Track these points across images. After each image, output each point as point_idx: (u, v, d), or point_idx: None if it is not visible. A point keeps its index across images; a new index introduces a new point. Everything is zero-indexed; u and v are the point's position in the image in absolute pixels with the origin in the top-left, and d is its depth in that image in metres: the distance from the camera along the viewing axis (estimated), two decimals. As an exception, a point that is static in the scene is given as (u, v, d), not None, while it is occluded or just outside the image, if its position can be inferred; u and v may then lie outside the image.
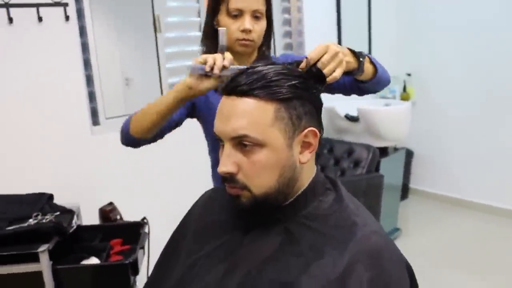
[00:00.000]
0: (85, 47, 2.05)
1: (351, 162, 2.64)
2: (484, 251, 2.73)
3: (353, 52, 1.03)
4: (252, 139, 0.75)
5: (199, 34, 2.47)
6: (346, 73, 1.01)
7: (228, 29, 1.15)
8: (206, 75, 0.99)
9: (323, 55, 0.89)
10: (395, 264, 0.76)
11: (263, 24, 1.20)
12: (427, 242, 2.84)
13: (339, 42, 3.11)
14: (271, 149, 0.76)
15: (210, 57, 0.98)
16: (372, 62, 1.12)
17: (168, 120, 1.17)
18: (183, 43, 2.49)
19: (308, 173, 0.83)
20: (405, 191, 3.45)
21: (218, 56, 0.98)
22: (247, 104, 0.75)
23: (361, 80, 1.13)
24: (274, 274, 0.76)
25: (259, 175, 0.76)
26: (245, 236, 0.83)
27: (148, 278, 0.99)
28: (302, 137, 0.78)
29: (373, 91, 1.23)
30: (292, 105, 0.76)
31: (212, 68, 0.97)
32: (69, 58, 2.01)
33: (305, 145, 0.79)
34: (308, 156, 0.80)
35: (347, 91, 1.26)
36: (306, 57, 0.88)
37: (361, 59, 1.04)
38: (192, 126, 2.53)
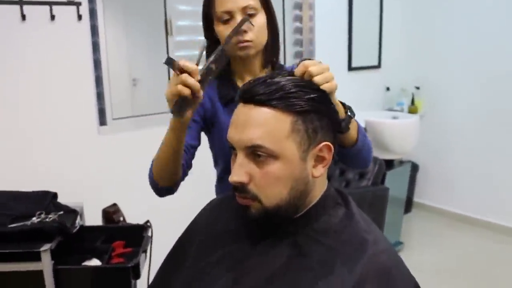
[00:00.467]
0: (95, 47, 2.05)
1: (356, 173, 2.63)
2: (486, 268, 2.70)
3: (342, 103, 0.92)
4: (266, 150, 0.74)
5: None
6: None
7: (222, 36, 1.07)
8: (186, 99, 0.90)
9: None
10: (404, 284, 0.75)
11: (260, 19, 1.08)
12: (429, 257, 2.82)
13: (349, 53, 3.11)
14: (285, 161, 0.75)
15: (178, 88, 0.88)
16: (358, 131, 0.99)
17: (185, 151, 1.10)
18: (193, 47, 2.49)
19: (320, 187, 0.82)
20: (408, 204, 3.42)
21: (184, 77, 0.88)
22: (265, 114, 0.74)
23: (342, 143, 0.99)
24: None
25: (271, 186, 0.75)
26: (254, 246, 0.82)
27: (151, 283, 0.98)
28: (316, 151, 0.77)
29: (345, 162, 1.06)
30: (309, 118, 0.75)
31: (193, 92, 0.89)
32: (80, 57, 2.01)
33: (319, 159, 0.78)
34: (321, 171, 0.79)
35: None
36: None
37: (349, 113, 0.92)
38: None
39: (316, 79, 0.79)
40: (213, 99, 1.17)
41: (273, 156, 0.74)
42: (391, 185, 2.63)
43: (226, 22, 1.07)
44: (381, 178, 2.60)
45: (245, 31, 1.06)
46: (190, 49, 2.48)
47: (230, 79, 1.17)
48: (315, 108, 0.76)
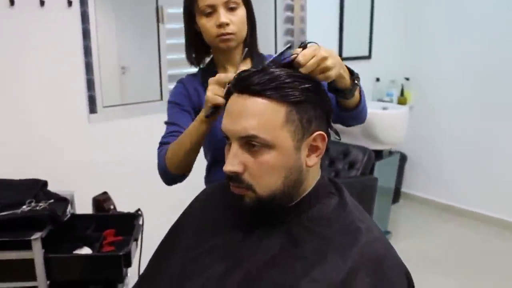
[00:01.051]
0: (86, 34, 2.01)
1: (346, 163, 2.65)
2: (471, 257, 2.76)
3: (350, 70, 0.95)
4: (261, 140, 0.74)
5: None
6: (334, 90, 0.95)
7: (206, 28, 1.11)
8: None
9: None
10: (396, 272, 0.77)
11: (241, 13, 1.12)
12: (416, 247, 2.86)
13: (340, 43, 3.11)
14: (279, 150, 0.75)
15: (212, 97, 0.93)
16: (360, 92, 1.06)
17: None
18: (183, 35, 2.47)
19: (313, 176, 0.83)
20: (396, 194, 3.47)
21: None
22: (259, 104, 0.75)
23: (344, 106, 1.05)
24: (274, 276, 0.75)
25: (265, 176, 0.76)
26: (247, 235, 0.83)
27: (144, 270, 0.98)
28: (310, 141, 0.78)
29: (347, 123, 1.14)
30: (303, 108, 0.76)
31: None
32: (70, 44, 1.98)
33: (313, 149, 0.79)
34: (315, 160, 0.80)
35: None
36: (293, 60, 0.81)
37: (356, 81, 0.96)
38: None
39: (303, 69, 0.79)
40: (198, 89, 1.20)
41: (267, 146, 0.75)
42: (380, 175, 2.67)
43: (208, 15, 1.10)
44: (370, 168, 2.63)
45: (227, 24, 1.10)
46: (182, 37, 2.46)
47: (213, 70, 1.19)
48: (309, 98, 0.76)
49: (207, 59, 1.25)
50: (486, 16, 3.01)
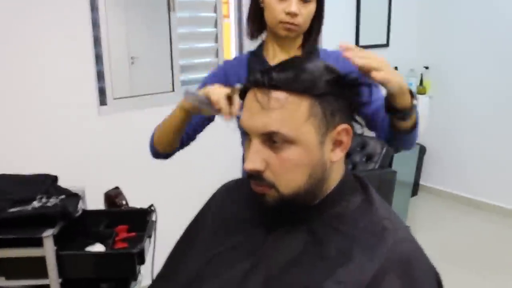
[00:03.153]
0: (95, 24, 1.97)
1: (363, 156, 2.58)
2: (493, 252, 2.70)
3: (410, 91, 0.95)
4: (283, 136, 0.70)
5: (213, 15, 2.39)
6: (394, 110, 0.95)
7: (272, 9, 1.09)
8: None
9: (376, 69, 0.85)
10: (425, 273, 0.73)
11: (311, 8, 1.11)
12: (436, 240, 2.80)
13: (357, 30, 3.02)
14: (302, 146, 0.71)
15: (214, 95, 0.93)
16: (416, 115, 1.02)
17: (189, 127, 1.16)
18: (196, 24, 2.40)
19: (337, 172, 0.78)
20: (415, 187, 3.40)
21: (221, 97, 0.92)
22: (280, 98, 0.70)
23: (399, 128, 1.02)
24: (297, 277, 0.72)
25: (288, 173, 0.72)
26: (268, 234, 0.79)
27: (161, 269, 0.95)
28: (334, 135, 0.74)
29: (397, 146, 1.12)
30: (326, 100, 0.72)
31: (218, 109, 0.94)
32: (79, 34, 1.93)
33: (337, 143, 0.75)
34: (339, 155, 0.76)
35: (380, 130, 1.15)
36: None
37: (415, 101, 0.95)
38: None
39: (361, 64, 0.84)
40: (240, 75, 1.17)
41: (290, 141, 0.71)
42: (398, 168, 2.59)
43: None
44: (388, 161, 2.56)
45: (295, 14, 1.08)
46: (193, 26, 2.39)
47: (262, 57, 1.19)
48: (332, 90, 0.72)
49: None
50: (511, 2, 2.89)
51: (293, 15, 1.08)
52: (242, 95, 0.78)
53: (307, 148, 0.72)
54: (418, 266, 0.72)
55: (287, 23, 1.09)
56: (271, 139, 0.71)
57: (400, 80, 0.88)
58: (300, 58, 0.78)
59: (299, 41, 1.17)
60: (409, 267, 0.71)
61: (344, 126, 0.74)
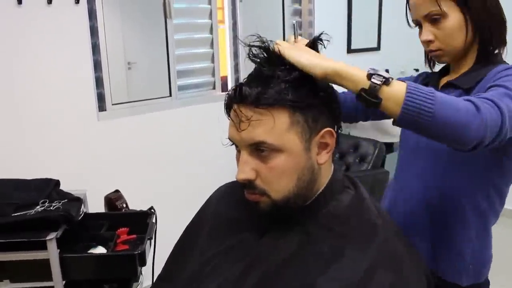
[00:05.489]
0: (93, 31, 2.00)
1: (357, 157, 2.63)
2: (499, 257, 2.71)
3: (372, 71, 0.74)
4: (269, 145, 0.73)
5: (208, 21, 2.44)
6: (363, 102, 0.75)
7: (421, 42, 1.01)
8: None
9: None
10: (414, 269, 0.76)
11: (448, 24, 0.94)
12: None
13: (349, 35, 3.08)
14: (288, 153, 0.74)
15: None
16: (414, 95, 0.71)
17: None
18: (192, 30, 2.45)
19: (326, 172, 0.82)
20: (407, 187, 3.44)
21: None
22: (261, 113, 0.73)
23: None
24: (292, 275, 0.75)
25: (277, 180, 0.76)
26: (263, 235, 0.83)
27: (161, 271, 0.99)
28: (318, 138, 0.77)
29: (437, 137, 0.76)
30: (306, 108, 0.74)
31: None
32: (78, 42, 1.97)
33: (322, 146, 0.78)
34: (325, 157, 0.79)
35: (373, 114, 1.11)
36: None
37: (374, 79, 0.72)
38: (201, 115, 2.52)
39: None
40: None
41: (276, 150, 0.74)
42: (391, 168, 2.63)
43: (420, 27, 1.01)
44: (381, 162, 2.61)
45: (430, 41, 0.97)
46: (190, 32, 2.44)
47: (444, 72, 1.07)
48: (309, 99, 0.74)
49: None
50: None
51: (427, 43, 0.98)
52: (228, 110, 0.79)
53: (293, 154, 0.75)
54: (407, 261, 0.75)
55: (430, 51, 0.99)
56: (259, 149, 0.74)
57: (326, 64, 0.72)
58: (271, 70, 0.74)
59: (469, 59, 0.99)
60: (399, 262, 0.74)
61: (327, 129, 0.77)
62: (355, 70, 0.74)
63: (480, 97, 0.76)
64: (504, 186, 1.00)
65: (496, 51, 0.99)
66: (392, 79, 0.73)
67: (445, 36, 0.96)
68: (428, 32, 0.97)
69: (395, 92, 0.72)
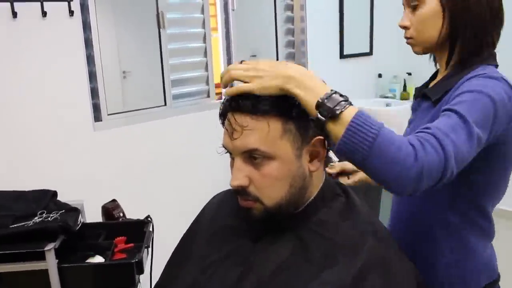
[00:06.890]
0: (88, 42, 2.03)
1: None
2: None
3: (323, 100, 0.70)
4: (262, 153, 0.76)
5: (201, 30, 2.46)
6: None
7: None
8: None
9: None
10: (405, 274, 0.78)
11: (422, 11, 0.90)
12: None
13: (341, 41, 3.10)
14: (281, 161, 0.77)
15: None
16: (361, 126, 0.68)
17: None
18: (185, 40, 2.48)
19: (317, 180, 0.84)
20: (402, 190, 3.46)
21: None
22: (255, 121, 0.75)
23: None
24: (285, 281, 0.77)
25: (270, 186, 0.78)
26: (258, 242, 0.84)
27: (158, 279, 0.99)
28: (310, 147, 0.79)
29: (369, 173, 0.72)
30: (298, 117, 0.77)
31: None
32: (73, 53, 1.98)
33: (314, 154, 0.80)
34: (317, 165, 0.81)
35: None
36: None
37: (325, 100, 0.68)
38: (196, 123, 2.54)
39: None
40: None
41: (269, 157, 0.76)
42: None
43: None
44: (375, 166, 2.63)
45: (405, 27, 0.95)
46: (183, 42, 2.46)
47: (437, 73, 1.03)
48: (302, 109, 0.76)
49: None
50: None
51: (404, 28, 0.95)
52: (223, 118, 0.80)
53: (285, 162, 0.77)
54: (397, 266, 0.77)
55: (406, 38, 0.96)
56: (252, 156, 0.76)
57: (279, 82, 0.71)
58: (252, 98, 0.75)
59: (443, 54, 0.95)
60: (389, 267, 0.75)
61: (318, 137, 0.79)
62: (307, 95, 0.70)
63: (428, 133, 0.71)
64: (479, 198, 0.92)
65: (476, 55, 0.91)
66: (345, 105, 0.69)
67: (418, 23, 0.92)
68: (406, 17, 0.94)
69: (336, 131, 0.69)
